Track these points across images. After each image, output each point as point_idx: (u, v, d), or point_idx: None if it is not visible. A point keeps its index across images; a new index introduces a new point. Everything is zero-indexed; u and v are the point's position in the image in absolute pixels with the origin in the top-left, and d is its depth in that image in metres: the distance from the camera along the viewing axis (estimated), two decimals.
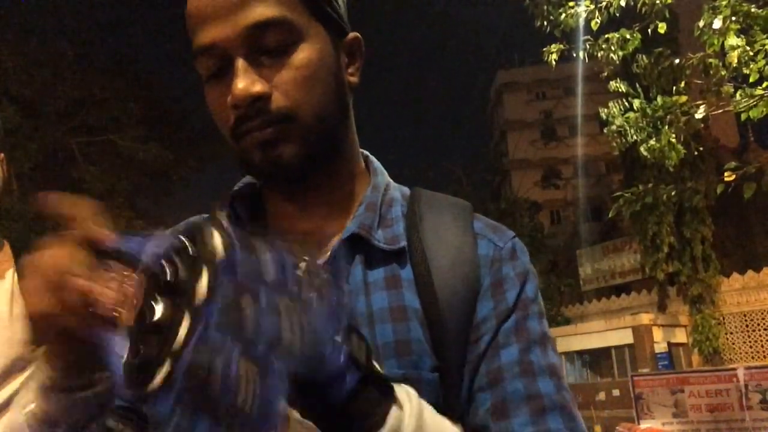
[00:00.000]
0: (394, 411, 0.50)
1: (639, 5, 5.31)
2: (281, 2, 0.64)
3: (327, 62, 0.67)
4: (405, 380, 0.59)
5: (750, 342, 17.41)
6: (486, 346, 0.66)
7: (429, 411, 0.54)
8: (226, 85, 0.64)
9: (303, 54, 0.65)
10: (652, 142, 5.36)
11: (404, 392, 0.53)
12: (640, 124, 5.38)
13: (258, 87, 0.62)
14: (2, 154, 1.39)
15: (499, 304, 0.67)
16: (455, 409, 0.65)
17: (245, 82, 0.62)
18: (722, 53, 4.99)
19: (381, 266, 0.69)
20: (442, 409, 0.61)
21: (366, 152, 0.80)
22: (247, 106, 0.63)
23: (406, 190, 0.79)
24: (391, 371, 0.61)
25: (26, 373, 1.20)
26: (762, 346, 17.16)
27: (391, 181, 0.79)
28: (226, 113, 0.65)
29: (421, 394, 0.59)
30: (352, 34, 0.73)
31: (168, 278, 0.39)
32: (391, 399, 0.51)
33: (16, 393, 0.62)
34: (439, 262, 0.68)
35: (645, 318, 17.60)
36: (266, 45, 0.63)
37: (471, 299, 0.67)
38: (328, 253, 0.69)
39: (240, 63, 0.63)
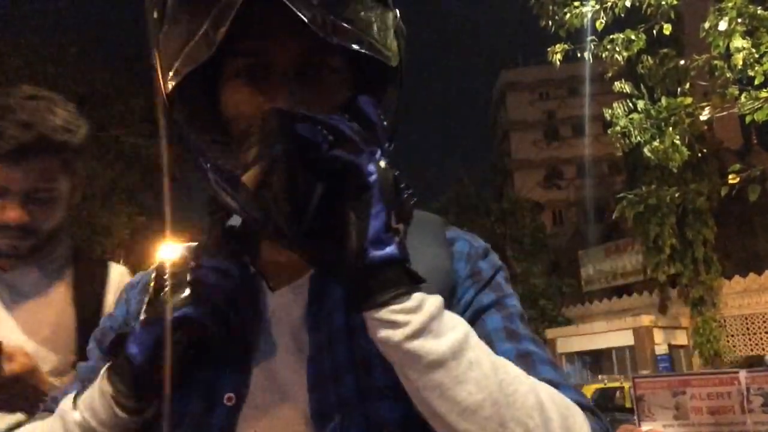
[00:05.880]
0: (420, 294, 0.57)
1: (644, 6, 5.29)
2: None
3: None
4: (388, 388, 0.62)
5: (751, 344, 17.39)
6: (471, 315, 0.70)
7: (452, 314, 0.60)
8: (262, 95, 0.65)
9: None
10: (655, 143, 5.35)
11: (435, 295, 0.59)
12: (644, 126, 5.37)
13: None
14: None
15: (477, 282, 0.73)
16: None
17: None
18: (727, 55, 4.96)
19: None
20: None
21: None
22: None
23: None
24: (378, 379, 0.63)
25: (65, 379, 1.19)
26: (763, 348, 17.13)
27: None
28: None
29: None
30: None
31: None
32: (418, 289, 0.58)
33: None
34: (416, 269, 0.70)
35: (646, 320, 17.59)
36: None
37: (448, 297, 0.70)
38: (308, 274, 0.71)
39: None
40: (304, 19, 0.57)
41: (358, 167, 0.56)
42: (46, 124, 1.12)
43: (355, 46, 0.61)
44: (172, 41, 0.64)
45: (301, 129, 0.55)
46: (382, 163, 0.57)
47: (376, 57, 0.64)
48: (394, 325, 0.55)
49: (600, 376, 15.61)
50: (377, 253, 0.55)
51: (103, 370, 0.66)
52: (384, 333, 0.56)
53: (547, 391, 0.60)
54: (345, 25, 0.60)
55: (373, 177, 0.56)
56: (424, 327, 0.55)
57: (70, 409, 0.65)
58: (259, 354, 0.68)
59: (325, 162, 0.55)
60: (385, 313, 0.55)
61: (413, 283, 0.57)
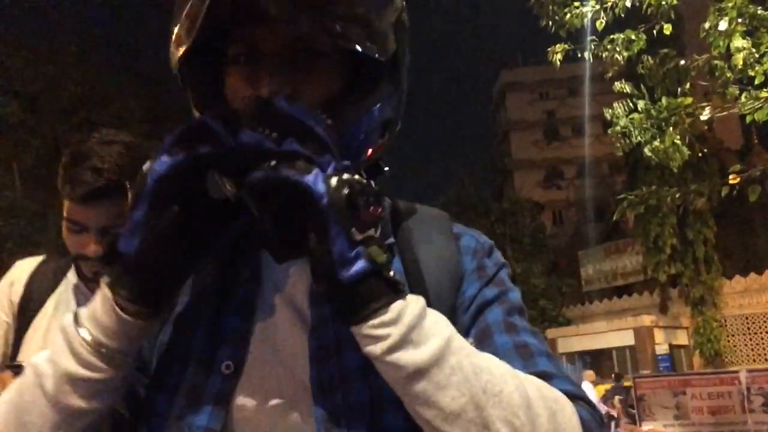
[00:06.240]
0: (398, 304, 0.56)
1: (644, 6, 5.29)
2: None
3: None
4: None
5: (751, 344, 17.39)
6: (475, 310, 0.71)
7: (435, 317, 0.59)
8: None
9: None
10: (656, 143, 5.34)
11: (416, 297, 0.59)
12: (645, 126, 5.37)
13: None
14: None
15: (482, 277, 0.74)
16: None
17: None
18: (728, 55, 4.96)
19: None
20: None
21: None
22: None
23: (387, 199, 0.82)
24: None
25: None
26: (764, 348, 17.14)
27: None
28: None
29: None
30: None
31: None
32: (400, 296, 0.57)
33: None
34: (426, 259, 0.73)
35: (646, 319, 17.59)
36: None
37: (455, 288, 0.72)
38: None
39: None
40: (271, 13, 0.59)
41: (306, 189, 0.55)
42: (116, 169, 1.24)
43: (329, 39, 0.63)
44: (173, 24, 0.67)
45: (245, 139, 0.56)
46: (334, 180, 0.55)
47: (356, 49, 0.64)
48: (374, 339, 0.56)
49: (612, 375, 15.57)
50: (347, 274, 0.55)
51: (102, 280, 0.61)
52: (367, 348, 0.57)
53: (535, 387, 0.60)
54: (320, 18, 0.61)
55: (324, 200, 0.54)
56: (404, 338, 0.55)
57: (72, 325, 0.60)
58: (261, 325, 0.68)
59: (273, 181, 0.55)
60: (364, 329, 0.56)
61: (392, 290, 0.57)
